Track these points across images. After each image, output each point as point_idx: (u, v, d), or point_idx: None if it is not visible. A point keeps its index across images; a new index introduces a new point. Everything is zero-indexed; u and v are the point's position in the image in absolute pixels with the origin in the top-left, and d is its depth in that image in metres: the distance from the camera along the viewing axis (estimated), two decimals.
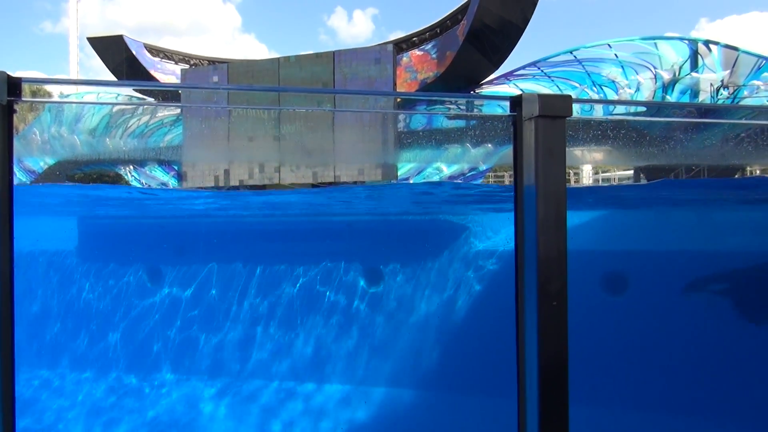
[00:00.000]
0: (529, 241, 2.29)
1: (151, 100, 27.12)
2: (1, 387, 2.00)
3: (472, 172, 23.00)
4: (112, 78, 29.29)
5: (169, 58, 29.90)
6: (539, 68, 24.00)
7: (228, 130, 22.09)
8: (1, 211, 1.99)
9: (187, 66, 29.39)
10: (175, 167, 27.46)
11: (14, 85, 2.05)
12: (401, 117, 23.63)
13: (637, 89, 22.03)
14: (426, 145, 22.93)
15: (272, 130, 21.89)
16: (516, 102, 2.35)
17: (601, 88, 23.29)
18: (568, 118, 2.31)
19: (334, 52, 23.14)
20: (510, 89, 24.77)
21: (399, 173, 23.71)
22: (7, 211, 2.03)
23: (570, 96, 2.27)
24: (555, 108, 2.23)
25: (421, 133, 23.73)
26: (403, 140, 23.37)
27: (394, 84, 22.80)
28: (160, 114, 27.92)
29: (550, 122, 2.21)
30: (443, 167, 22.93)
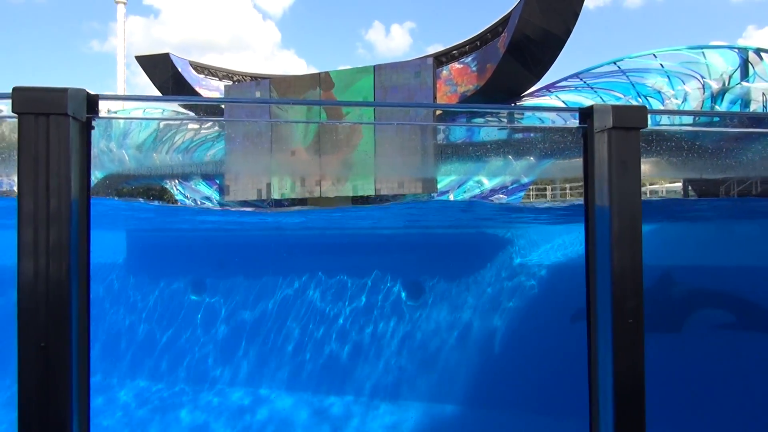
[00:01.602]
0: (602, 257, 2.22)
1: (192, 115, 27.79)
2: (77, 389, 2.04)
3: (514, 185, 22.74)
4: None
5: (213, 75, 30.61)
6: (582, 79, 23.65)
7: (271, 144, 22.43)
8: (79, 220, 2.03)
9: (230, 82, 30.02)
10: (218, 181, 27.99)
11: (92, 103, 2.10)
12: (441, 129, 23.59)
13: (684, 99, 21.47)
14: (467, 158, 22.81)
15: (314, 144, 22.13)
16: (587, 113, 2.30)
17: (647, 99, 22.79)
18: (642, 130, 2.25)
19: (374, 66, 23.34)
20: (551, 101, 24.47)
21: (439, 186, 23.63)
22: (86, 221, 2.08)
23: (645, 107, 2.20)
24: (630, 119, 2.17)
25: (461, 146, 23.62)
26: (443, 153, 23.31)
27: (434, 97, 22.82)
28: (204, 131, 28.57)
29: (624, 134, 2.15)
30: (485, 180, 22.75)
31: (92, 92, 2.11)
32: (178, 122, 27.50)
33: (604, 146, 2.19)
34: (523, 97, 25.29)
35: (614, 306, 2.14)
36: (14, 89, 1.92)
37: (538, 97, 25.36)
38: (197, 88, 29.81)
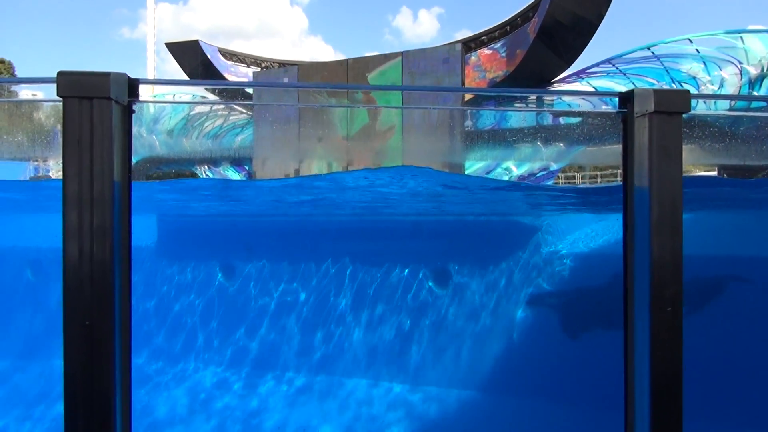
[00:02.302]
0: (641, 244, 2.18)
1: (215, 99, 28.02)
2: (120, 365, 2.09)
3: (543, 172, 22.48)
4: None
5: (241, 62, 30.81)
6: (614, 65, 23.17)
7: (298, 131, 22.53)
8: (121, 203, 2.07)
9: (258, 69, 30.19)
10: (246, 167, 28.24)
11: (133, 87, 2.14)
12: (469, 116, 23.38)
13: (721, 85, 20.90)
14: (495, 145, 22.60)
15: (341, 131, 22.15)
16: (627, 98, 2.25)
17: (681, 85, 22.24)
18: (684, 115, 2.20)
19: (402, 53, 23.18)
20: (582, 87, 24.05)
21: (466, 172, 23.48)
22: (127, 204, 2.12)
23: (688, 91, 2.15)
24: (672, 103, 2.12)
25: (489, 132, 23.40)
26: (470, 139, 23.13)
27: (462, 83, 22.59)
28: (233, 117, 28.81)
29: (666, 119, 2.11)
30: (513, 167, 22.53)
31: (132, 77, 2.14)
32: (211, 107, 27.80)
33: (644, 131, 2.15)
34: (553, 83, 24.91)
35: (652, 293, 2.11)
36: (59, 73, 1.96)
37: (568, 83, 24.94)
38: (226, 75, 30.05)
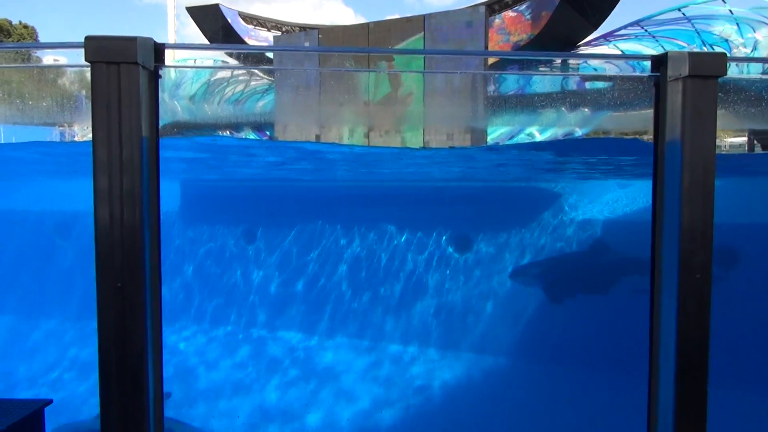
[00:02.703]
0: (670, 211, 2.15)
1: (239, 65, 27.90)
2: (151, 326, 2.15)
3: (567, 138, 22.11)
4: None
5: (261, 26, 30.55)
6: (642, 27, 22.51)
7: (319, 96, 22.41)
8: (150, 167, 2.09)
9: (278, 33, 29.93)
10: (268, 132, 28.27)
11: (159, 52, 2.13)
12: (492, 81, 23.00)
13: (754, 48, 20.21)
14: (518, 110, 22.26)
15: (362, 96, 21.98)
16: (659, 61, 2.19)
17: (712, 48, 21.56)
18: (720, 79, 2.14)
19: (424, 16, 22.76)
20: (609, 50, 23.45)
21: (489, 138, 23.23)
22: (156, 168, 2.14)
23: (724, 53, 2.09)
24: (707, 67, 2.06)
25: (513, 97, 23.03)
26: (494, 105, 22.80)
27: (486, 47, 22.17)
28: (254, 82, 28.69)
29: (701, 83, 2.04)
30: (536, 132, 22.21)
31: (159, 41, 2.13)
32: (232, 72, 27.72)
33: (678, 95, 2.09)
34: (579, 46, 24.31)
35: (681, 261, 2.09)
36: (87, 38, 1.96)
37: (594, 46, 24.31)
38: (246, 39, 29.85)
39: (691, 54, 2.05)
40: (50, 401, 2.72)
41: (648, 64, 2.39)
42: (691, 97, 2.05)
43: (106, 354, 2.01)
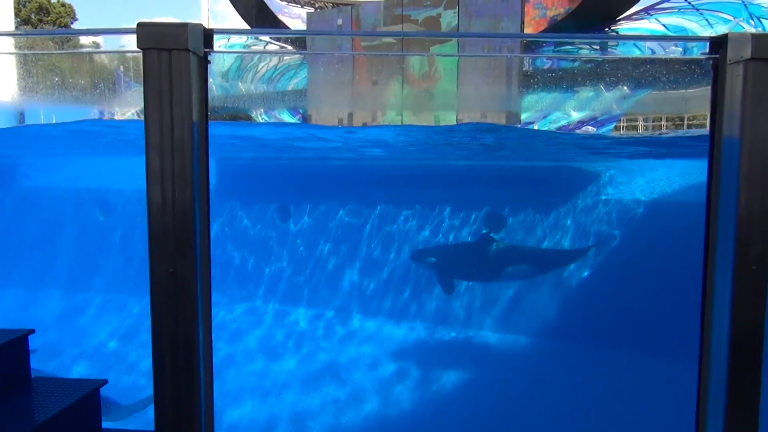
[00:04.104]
0: (726, 198, 2.09)
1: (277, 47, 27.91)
2: (202, 311, 2.19)
3: (604, 116, 21.61)
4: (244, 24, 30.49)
5: (295, 2, 30.41)
6: (686, 0, 21.69)
7: (352, 74, 22.29)
8: (200, 149, 2.12)
9: (312, 9, 29.76)
10: (300, 111, 28.27)
11: (208, 37, 2.14)
12: (526, 58, 22.51)
13: None
14: (554, 88, 21.79)
15: (396, 74, 21.79)
16: (719, 42, 2.11)
17: (760, 22, 20.67)
18: None
19: None
20: (650, 25, 22.69)
21: (522, 117, 22.82)
22: (205, 150, 2.17)
23: None
24: None
25: (548, 75, 22.53)
26: (528, 82, 22.36)
27: (522, 23, 21.71)
28: (286, 58, 28.65)
29: (764, 66, 1.97)
30: (572, 111, 21.72)
31: (208, 27, 2.14)
32: (264, 47, 27.76)
33: (738, 79, 2.02)
34: (619, 20, 23.58)
35: (737, 251, 2.03)
36: (139, 24, 1.98)
37: (635, 20, 23.55)
38: (280, 16, 29.77)
39: (755, 35, 1.97)
40: (105, 381, 2.80)
41: (694, 44, 2.31)
42: (753, 82, 1.97)
43: (159, 338, 2.07)
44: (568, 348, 9.27)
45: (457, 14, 21.75)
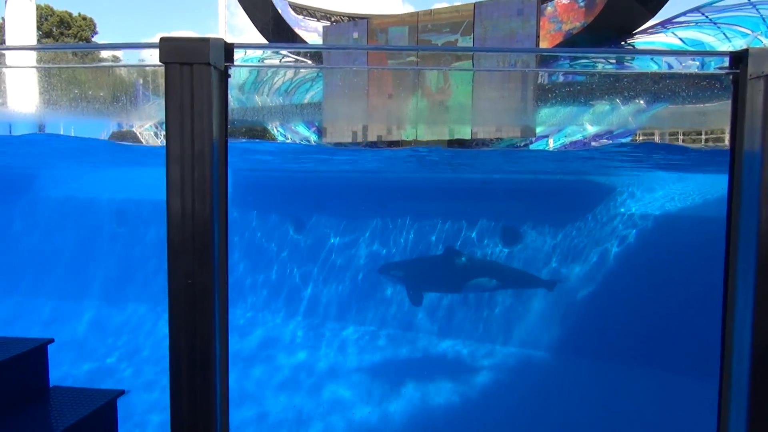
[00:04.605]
0: (748, 212, 2.07)
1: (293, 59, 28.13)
2: (219, 323, 2.21)
3: (620, 130, 21.51)
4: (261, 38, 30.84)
5: (311, 16, 30.75)
6: (703, 14, 21.60)
7: (367, 87, 22.42)
8: (219, 162, 2.14)
9: (328, 23, 30.07)
10: (316, 123, 28.44)
11: (229, 52, 2.18)
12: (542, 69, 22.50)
13: None
14: (570, 101, 21.75)
15: (411, 87, 21.88)
16: (739, 57, 2.10)
17: None
18: None
19: (474, 5, 22.45)
20: (667, 39, 22.61)
21: (538, 130, 22.77)
22: (224, 163, 2.19)
23: None
24: None
25: (564, 89, 22.50)
26: (543, 96, 22.34)
27: (537, 36, 21.73)
28: (302, 71, 28.90)
29: None
30: (588, 125, 21.66)
31: (229, 41, 2.18)
32: (281, 60, 28.04)
33: (759, 94, 2.01)
34: (635, 34, 23.53)
35: (759, 265, 2.01)
36: (161, 39, 2.01)
37: (651, 34, 23.49)
38: (296, 30, 30.10)
39: None
40: (123, 391, 2.82)
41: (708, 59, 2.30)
42: None
43: (177, 348, 2.08)
44: (585, 363, 9.17)
45: (472, 40, 21.93)
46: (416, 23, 22.85)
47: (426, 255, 12.07)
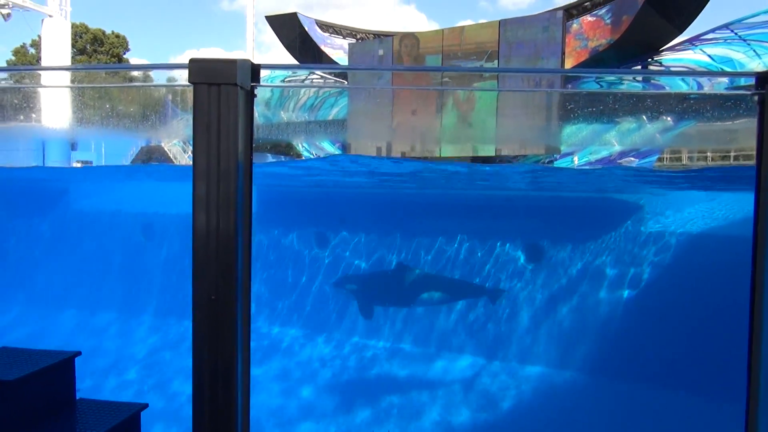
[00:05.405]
0: None
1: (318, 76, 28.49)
2: (241, 339, 2.24)
3: (647, 147, 21.28)
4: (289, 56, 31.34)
5: (337, 33, 31.13)
6: (732, 31, 21.33)
7: (392, 104, 22.58)
8: (244, 179, 2.19)
9: (353, 40, 30.40)
10: (341, 140, 28.68)
11: (255, 72, 2.23)
12: (567, 85, 22.43)
13: None
14: (595, 118, 21.59)
15: (435, 104, 21.99)
16: (765, 78, 2.09)
17: None
18: None
19: (500, 21, 22.52)
20: (695, 55, 22.37)
21: (562, 147, 22.66)
22: (249, 180, 2.23)
23: None
24: None
25: (589, 107, 22.37)
26: (568, 113, 22.23)
27: (563, 53, 21.67)
28: (327, 87, 29.26)
29: None
30: (613, 141, 21.47)
31: (255, 62, 2.23)
32: (307, 76, 28.41)
33: None
34: (662, 51, 23.34)
35: None
36: (191, 60, 2.08)
37: (679, 51, 23.27)
38: (322, 47, 30.50)
39: None
40: (146, 405, 2.86)
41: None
42: None
43: (199, 364, 2.12)
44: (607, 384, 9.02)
45: (497, 46, 21.96)
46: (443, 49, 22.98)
47: (378, 269, 12.39)
